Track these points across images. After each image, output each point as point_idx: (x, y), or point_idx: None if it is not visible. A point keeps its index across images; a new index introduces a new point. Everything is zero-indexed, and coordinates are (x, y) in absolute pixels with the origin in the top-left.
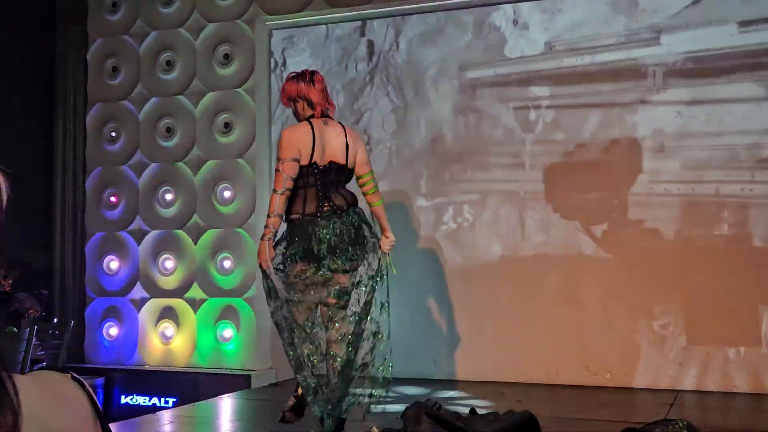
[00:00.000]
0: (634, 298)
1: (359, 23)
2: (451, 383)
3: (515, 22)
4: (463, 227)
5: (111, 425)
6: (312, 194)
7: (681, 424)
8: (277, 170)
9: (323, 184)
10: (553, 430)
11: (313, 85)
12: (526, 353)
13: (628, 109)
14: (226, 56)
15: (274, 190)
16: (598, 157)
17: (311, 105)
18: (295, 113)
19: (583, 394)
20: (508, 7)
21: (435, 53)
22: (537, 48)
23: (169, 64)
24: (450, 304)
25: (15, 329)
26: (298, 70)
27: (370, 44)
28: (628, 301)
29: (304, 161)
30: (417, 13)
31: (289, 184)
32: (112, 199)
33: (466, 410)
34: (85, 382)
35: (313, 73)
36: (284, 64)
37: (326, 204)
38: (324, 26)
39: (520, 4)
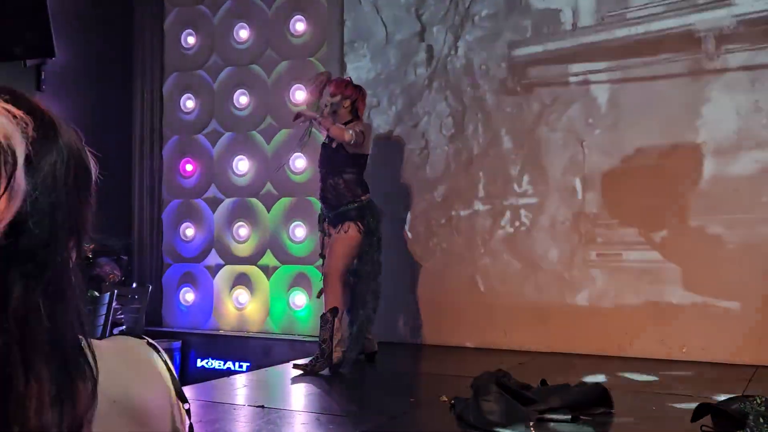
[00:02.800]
0: (710, 271)
1: (419, 28)
2: (521, 354)
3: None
4: (520, 231)
5: (188, 387)
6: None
7: (759, 401)
8: (361, 134)
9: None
10: (625, 402)
11: (364, 100)
12: (598, 325)
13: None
14: (299, 25)
15: (353, 132)
16: (658, 162)
17: (356, 111)
18: (337, 106)
19: (657, 368)
20: (568, 10)
21: (493, 58)
22: (598, 55)
23: (243, 33)
24: (518, 274)
25: (96, 293)
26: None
27: (429, 49)
28: (704, 273)
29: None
30: None
31: (355, 148)
32: (188, 167)
33: (536, 381)
34: (160, 348)
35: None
36: (344, 69)
37: None
38: (384, 31)
39: (580, 6)
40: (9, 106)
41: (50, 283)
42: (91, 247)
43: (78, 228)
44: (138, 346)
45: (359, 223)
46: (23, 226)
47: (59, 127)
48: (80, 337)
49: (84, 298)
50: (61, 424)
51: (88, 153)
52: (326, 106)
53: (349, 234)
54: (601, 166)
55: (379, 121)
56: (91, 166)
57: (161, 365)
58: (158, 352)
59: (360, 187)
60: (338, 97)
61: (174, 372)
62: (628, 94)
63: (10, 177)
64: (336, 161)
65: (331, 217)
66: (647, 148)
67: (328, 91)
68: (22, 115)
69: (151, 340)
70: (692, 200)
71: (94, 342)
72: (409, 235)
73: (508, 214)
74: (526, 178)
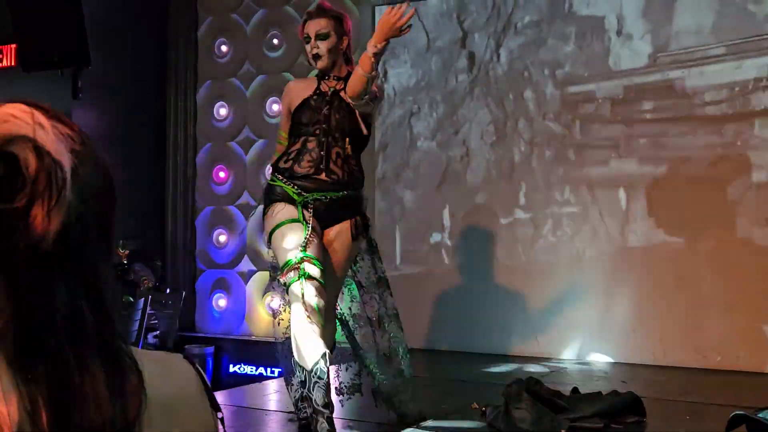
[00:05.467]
0: (746, 281)
1: (460, 35)
2: (553, 361)
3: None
4: (562, 241)
5: (220, 393)
6: None
7: None
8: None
9: None
10: (658, 412)
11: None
12: (632, 333)
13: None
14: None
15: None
16: (705, 172)
17: (348, 59)
18: (333, 45)
19: (691, 377)
20: (612, 18)
21: (536, 65)
22: (641, 60)
23: (276, 42)
24: (553, 282)
25: (131, 298)
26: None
27: (471, 56)
28: (741, 283)
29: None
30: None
31: (366, 107)
32: (221, 174)
33: (568, 389)
34: (195, 362)
35: None
36: (385, 75)
37: None
38: (426, 38)
39: (624, 14)
40: (56, 123)
41: (90, 285)
42: (126, 253)
43: (109, 229)
44: (174, 357)
45: (365, 220)
46: (66, 233)
47: (86, 137)
48: (118, 338)
49: (117, 298)
50: (115, 417)
51: (101, 154)
52: (317, 48)
53: (357, 239)
54: (645, 174)
55: (420, 127)
56: (108, 167)
57: (197, 376)
58: (193, 365)
59: None
60: (333, 38)
61: (208, 383)
62: (672, 102)
63: (60, 192)
64: (350, 125)
65: (329, 204)
66: (693, 156)
67: (316, 26)
68: (68, 131)
69: (186, 355)
70: (739, 210)
71: (133, 349)
72: (448, 242)
73: (549, 223)
74: (568, 186)
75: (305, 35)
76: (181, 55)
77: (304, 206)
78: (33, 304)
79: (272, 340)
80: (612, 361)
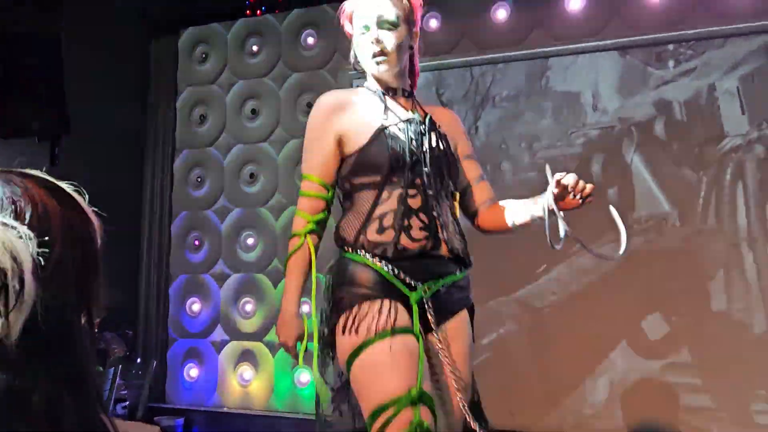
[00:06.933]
0: (729, 356)
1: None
2: None
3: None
4: (535, 310)
5: None
6: None
7: None
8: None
9: None
10: None
11: None
12: (611, 407)
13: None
14: (309, 105)
15: None
16: (681, 246)
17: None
18: (407, 44)
19: None
20: (588, 92)
21: (513, 138)
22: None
23: (254, 113)
24: (528, 354)
25: (101, 368)
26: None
27: None
28: (724, 358)
29: None
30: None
31: None
32: (196, 242)
33: None
34: None
35: None
36: None
37: None
38: None
39: (600, 89)
40: (18, 224)
41: (72, 369)
42: (96, 321)
43: (89, 303)
44: (151, 429)
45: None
46: (35, 329)
47: (59, 215)
48: (102, 417)
49: (99, 372)
50: None
51: (89, 216)
52: (380, 43)
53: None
54: (628, 248)
55: None
56: (95, 229)
57: None
58: None
59: None
60: (403, 29)
61: None
62: (645, 171)
63: (18, 298)
64: (452, 167)
65: (447, 294)
66: (668, 229)
67: (377, 9)
68: (25, 230)
69: (162, 427)
70: (716, 285)
71: (117, 421)
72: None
73: (525, 294)
74: (545, 261)
75: (362, 26)
76: (159, 125)
77: (421, 305)
78: (11, 405)
79: (243, 412)
80: None
